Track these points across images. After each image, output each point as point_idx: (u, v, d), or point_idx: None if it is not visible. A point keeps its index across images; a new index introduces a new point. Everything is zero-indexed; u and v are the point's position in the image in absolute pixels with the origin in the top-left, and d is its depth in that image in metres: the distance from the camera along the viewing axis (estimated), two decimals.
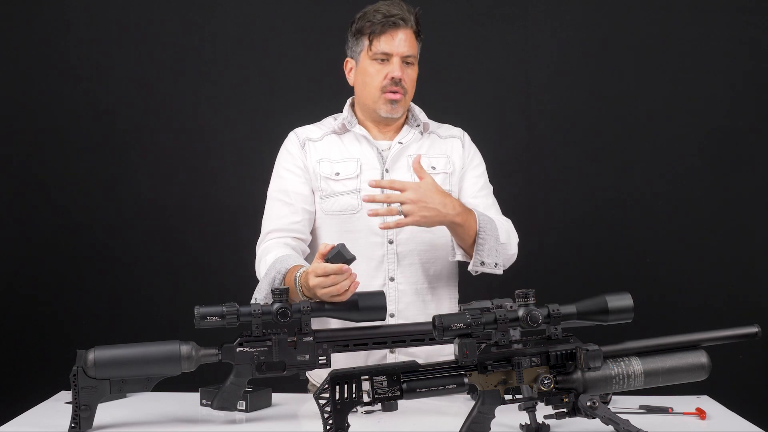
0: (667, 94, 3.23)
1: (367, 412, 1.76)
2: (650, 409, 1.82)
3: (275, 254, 2.01)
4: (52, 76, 3.29)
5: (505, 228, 2.10)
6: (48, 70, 3.29)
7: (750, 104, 3.20)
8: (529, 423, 1.56)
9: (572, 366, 1.54)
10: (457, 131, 2.26)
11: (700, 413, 1.79)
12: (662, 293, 3.18)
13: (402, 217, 1.92)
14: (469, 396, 1.89)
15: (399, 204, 1.92)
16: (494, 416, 1.53)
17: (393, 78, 2.08)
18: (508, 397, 1.56)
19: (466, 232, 2.00)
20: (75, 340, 2.01)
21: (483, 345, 1.53)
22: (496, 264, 2.03)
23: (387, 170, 2.14)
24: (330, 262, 1.79)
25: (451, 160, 2.19)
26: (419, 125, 2.20)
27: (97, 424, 1.73)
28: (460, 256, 2.07)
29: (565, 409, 1.54)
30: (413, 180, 2.08)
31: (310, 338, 1.79)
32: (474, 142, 2.26)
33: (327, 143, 2.17)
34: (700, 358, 1.58)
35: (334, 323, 1.94)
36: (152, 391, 1.76)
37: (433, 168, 2.15)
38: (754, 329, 1.61)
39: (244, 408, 1.84)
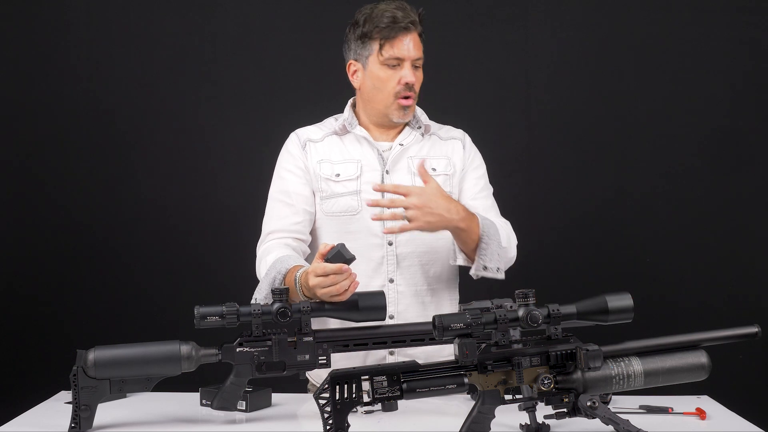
0: (667, 94, 3.22)
1: (367, 412, 1.76)
2: (650, 409, 1.82)
3: (276, 254, 2.01)
4: (52, 76, 3.29)
5: (506, 231, 2.09)
6: (48, 70, 3.29)
7: (750, 104, 3.20)
8: (529, 423, 1.56)
9: (572, 366, 1.54)
10: (458, 133, 2.25)
11: (700, 413, 1.79)
12: (662, 293, 3.17)
13: (406, 222, 1.91)
14: (469, 396, 1.89)
15: (403, 209, 1.91)
16: (494, 416, 1.53)
17: (407, 83, 2.08)
18: (508, 397, 1.56)
19: (469, 237, 1.99)
20: (75, 340, 2.01)
21: (483, 345, 1.53)
22: (498, 269, 2.03)
23: (387, 171, 2.13)
24: (330, 262, 1.79)
25: (452, 162, 2.19)
26: (420, 127, 2.20)
27: (97, 424, 1.73)
28: (461, 261, 2.07)
29: (565, 409, 1.54)
30: (414, 182, 2.08)
31: (310, 338, 1.79)
32: (474, 143, 2.25)
33: (328, 144, 2.17)
34: (700, 358, 1.58)
35: (334, 323, 1.94)
36: (152, 391, 1.76)
37: (434, 169, 2.14)
38: (754, 329, 1.61)
39: (244, 408, 1.84)
